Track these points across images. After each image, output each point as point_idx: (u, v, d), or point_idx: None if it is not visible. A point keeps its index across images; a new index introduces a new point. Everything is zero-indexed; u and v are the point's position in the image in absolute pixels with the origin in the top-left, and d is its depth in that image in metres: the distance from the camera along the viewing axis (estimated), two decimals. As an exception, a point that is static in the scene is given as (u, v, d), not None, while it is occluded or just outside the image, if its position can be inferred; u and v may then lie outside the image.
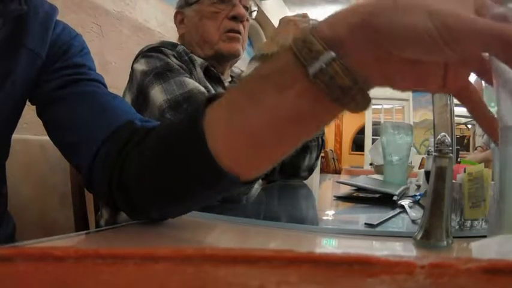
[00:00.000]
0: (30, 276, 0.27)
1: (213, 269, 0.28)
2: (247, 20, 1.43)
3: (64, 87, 0.74)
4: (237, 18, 1.36)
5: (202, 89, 1.17)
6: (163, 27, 3.17)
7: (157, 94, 1.14)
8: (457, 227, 0.68)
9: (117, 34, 2.67)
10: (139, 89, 1.20)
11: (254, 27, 6.24)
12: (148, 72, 1.19)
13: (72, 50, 0.79)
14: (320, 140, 1.57)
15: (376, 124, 10.66)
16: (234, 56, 1.42)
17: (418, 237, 0.60)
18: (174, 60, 1.24)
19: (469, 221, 0.69)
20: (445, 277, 0.27)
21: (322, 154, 9.17)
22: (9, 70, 0.72)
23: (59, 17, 0.82)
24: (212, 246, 0.28)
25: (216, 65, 1.40)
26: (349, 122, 14.95)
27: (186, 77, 1.19)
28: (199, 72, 1.30)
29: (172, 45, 1.33)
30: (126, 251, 0.29)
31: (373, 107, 11.05)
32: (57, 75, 0.75)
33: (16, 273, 0.27)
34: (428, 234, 0.59)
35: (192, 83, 1.16)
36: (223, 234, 0.75)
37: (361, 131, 13.42)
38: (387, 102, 10.88)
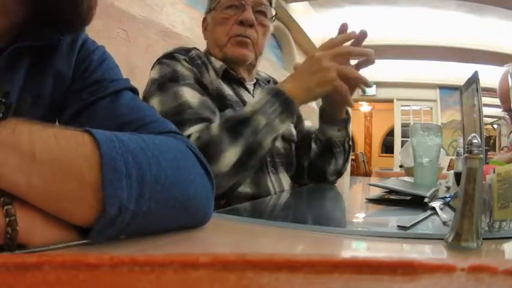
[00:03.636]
0: (61, 285, 0.26)
1: (255, 276, 0.27)
2: (263, 25, 1.46)
3: (81, 112, 0.74)
4: (244, 23, 1.39)
5: (195, 102, 1.19)
6: (191, 31, 3.18)
7: (155, 105, 1.18)
8: (486, 228, 0.67)
9: (144, 39, 2.69)
10: (143, 97, 1.23)
11: (281, 29, 6.24)
12: (155, 81, 1.24)
13: (92, 65, 0.78)
14: (346, 145, 1.56)
15: (404, 126, 10.57)
16: (242, 61, 1.45)
17: (450, 239, 0.59)
18: (186, 64, 1.29)
19: (498, 222, 0.68)
20: (485, 278, 0.27)
21: (353, 157, 9.12)
22: (40, 93, 0.72)
23: None
24: (253, 252, 0.27)
25: (234, 67, 1.44)
26: (378, 124, 14.85)
27: (188, 84, 1.23)
28: (211, 74, 1.34)
29: (186, 50, 1.37)
30: (165, 258, 0.28)
31: (402, 108, 10.96)
32: (75, 99, 0.74)
33: (45, 282, 0.26)
34: (459, 236, 0.58)
35: (185, 95, 1.19)
36: (252, 237, 0.75)
37: (390, 133, 13.32)
38: (415, 104, 10.78)
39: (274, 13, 1.50)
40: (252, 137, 1.09)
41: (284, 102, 1.14)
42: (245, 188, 1.29)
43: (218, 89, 1.32)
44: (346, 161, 1.61)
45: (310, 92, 1.16)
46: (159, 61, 1.30)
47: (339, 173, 1.63)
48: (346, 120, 1.51)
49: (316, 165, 1.57)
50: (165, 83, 1.21)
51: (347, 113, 1.51)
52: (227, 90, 1.35)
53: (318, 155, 1.54)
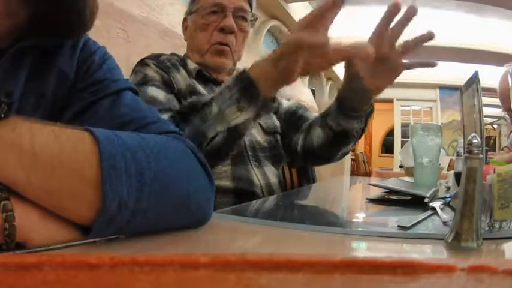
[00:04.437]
0: (61, 285, 0.26)
1: (255, 276, 0.27)
2: (243, 30, 1.46)
3: (83, 111, 0.74)
4: (225, 30, 1.40)
5: (161, 97, 1.25)
6: (191, 31, 3.17)
7: None
8: (486, 228, 0.67)
9: (144, 39, 2.69)
10: None
11: (281, 29, 6.23)
12: None
13: (93, 66, 0.78)
14: (360, 132, 1.38)
15: (404, 126, 10.57)
16: (221, 69, 1.47)
17: (449, 239, 0.59)
18: (154, 67, 1.33)
19: (498, 222, 0.68)
20: (485, 278, 0.27)
21: (353, 157, 9.09)
22: (43, 92, 0.72)
23: None
24: (253, 252, 0.27)
25: (210, 72, 1.46)
26: (378, 124, 14.82)
27: (155, 84, 1.27)
28: (183, 74, 1.38)
29: (157, 56, 1.42)
30: (165, 258, 0.28)
31: (402, 108, 10.96)
32: (77, 99, 0.74)
33: (45, 282, 0.26)
34: (459, 236, 0.58)
35: (151, 93, 1.25)
36: (252, 237, 0.75)
37: (390, 133, 13.30)
38: (415, 104, 10.77)
39: (255, 17, 1.51)
40: (198, 126, 1.07)
41: (243, 88, 1.03)
42: (226, 182, 1.30)
43: (191, 86, 1.35)
44: (354, 143, 1.45)
45: (275, 64, 0.98)
46: (134, 69, 1.36)
47: (345, 155, 1.50)
48: (369, 113, 1.35)
49: (320, 152, 1.43)
50: (137, 87, 1.24)
51: (371, 104, 1.32)
52: (201, 89, 1.38)
53: (326, 144, 1.39)
